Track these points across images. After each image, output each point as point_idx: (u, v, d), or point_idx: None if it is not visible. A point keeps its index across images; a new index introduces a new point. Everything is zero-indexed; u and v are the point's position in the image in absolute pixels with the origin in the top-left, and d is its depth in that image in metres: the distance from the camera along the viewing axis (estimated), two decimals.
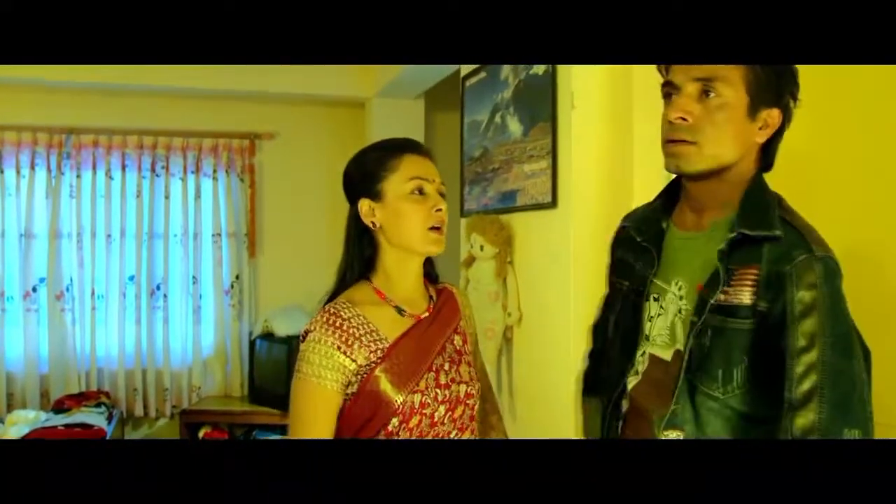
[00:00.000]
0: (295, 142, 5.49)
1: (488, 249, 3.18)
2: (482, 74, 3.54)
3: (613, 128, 2.77)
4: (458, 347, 1.74)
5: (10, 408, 4.96)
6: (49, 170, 5.10)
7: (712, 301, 1.42)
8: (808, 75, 2.19)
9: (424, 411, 1.61)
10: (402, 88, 5.04)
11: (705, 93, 1.45)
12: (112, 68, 4.77)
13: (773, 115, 1.47)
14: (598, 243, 2.11)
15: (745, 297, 1.40)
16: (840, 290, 1.38)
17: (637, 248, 1.63)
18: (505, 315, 3.18)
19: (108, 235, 5.18)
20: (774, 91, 1.46)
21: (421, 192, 1.65)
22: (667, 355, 1.51)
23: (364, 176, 1.68)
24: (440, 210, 1.65)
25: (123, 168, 5.21)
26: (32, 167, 5.08)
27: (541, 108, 2.97)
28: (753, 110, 1.45)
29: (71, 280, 5.14)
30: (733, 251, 1.43)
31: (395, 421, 1.58)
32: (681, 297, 1.50)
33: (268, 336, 4.99)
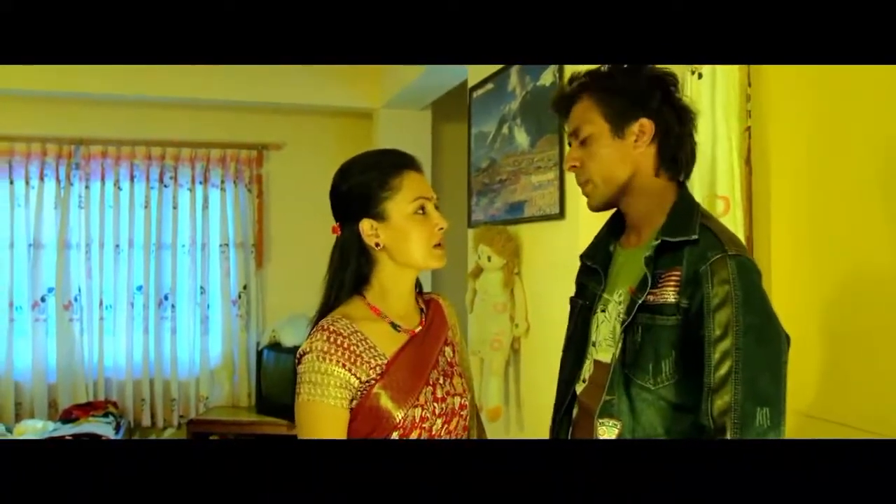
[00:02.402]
0: (302, 152, 5.51)
1: (496, 260, 3.19)
2: (489, 86, 3.55)
3: None
4: (449, 359, 1.75)
5: (18, 417, 4.96)
6: (58, 180, 5.13)
7: (640, 301, 1.57)
8: (823, 89, 2.20)
9: (424, 425, 1.62)
10: (410, 99, 5.06)
11: (581, 141, 1.67)
12: (120, 79, 4.81)
13: (643, 125, 1.63)
14: None
15: (670, 296, 1.55)
16: (754, 284, 1.52)
17: (589, 271, 1.81)
18: (512, 326, 3.19)
19: (117, 246, 5.21)
20: (631, 108, 1.64)
21: (423, 210, 1.67)
22: (608, 358, 1.65)
23: (364, 196, 1.66)
24: (442, 228, 1.68)
25: (132, 179, 5.24)
26: (42, 178, 5.10)
27: (548, 119, 2.98)
28: (618, 130, 1.64)
29: (79, 290, 5.15)
30: (660, 257, 1.58)
31: (395, 435, 1.59)
32: (620, 303, 1.66)
33: (275, 346, 4.99)
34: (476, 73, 3.72)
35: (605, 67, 1.70)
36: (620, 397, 1.59)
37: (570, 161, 1.71)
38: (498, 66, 3.43)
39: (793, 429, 2.21)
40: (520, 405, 3.26)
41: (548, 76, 3.00)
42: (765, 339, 1.50)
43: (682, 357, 1.53)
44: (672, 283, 1.55)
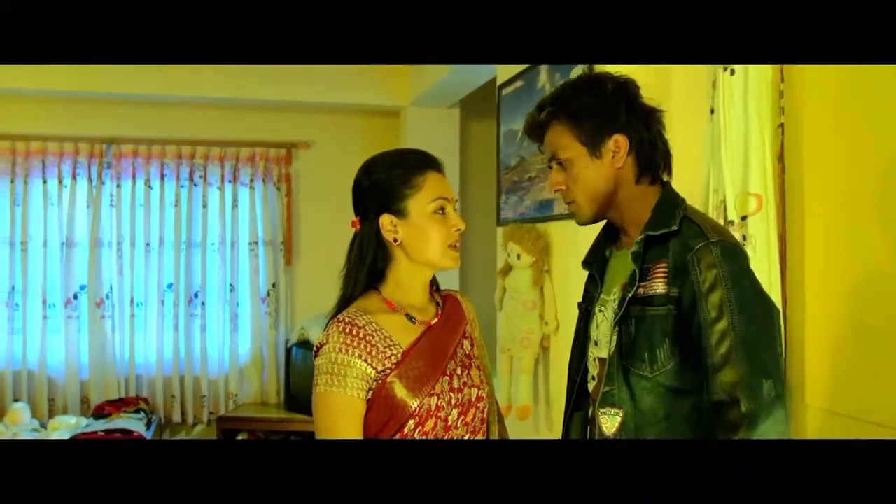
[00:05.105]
0: (331, 151, 5.53)
1: (525, 258, 3.18)
2: (518, 83, 3.54)
3: None
4: (467, 352, 1.77)
5: (51, 413, 5.04)
6: (90, 179, 5.20)
7: (630, 294, 1.66)
8: (856, 85, 2.17)
9: (439, 414, 1.64)
10: (438, 97, 5.06)
11: (560, 164, 1.74)
12: (151, 79, 4.85)
13: (617, 141, 1.70)
14: None
15: (659, 287, 1.63)
16: (739, 265, 1.62)
17: (591, 276, 1.89)
18: (542, 324, 3.18)
19: (147, 244, 5.26)
20: (602, 126, 1.70)
21: (443, 210, 1.69)
22: (607, 354, 1.73)
23: (385, 192, 1.69)
24: (459, 229, 1.70)
25: (162, 177, 5.29)
26: (74, 177, 5.17)
27: None
28: (594, 151, 1.70)
29: (111, 288, 5.21)
30: (647, 252, 1.67)
31: (411, 423, 1.61)
32: (615, 301, 1.73)
33: (304, 343, 5.01)
34: (505, 70, 3.71)
35: (568, 89, 1.77)
36: (620, 387, 1.67)
37: (555, 185, 1.78)
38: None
39: (826, 427, 2.20)
40: (549, 403, 3.26)
41: (576, 74, 2.99)
42: (758, 316, 1.58)
43: (676, 344, 1.62)
44: (660, 275, 1.64)
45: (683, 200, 1.74)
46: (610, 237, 1.86)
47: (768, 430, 1.51)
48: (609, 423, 1.67)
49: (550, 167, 1.80)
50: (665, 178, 1.78)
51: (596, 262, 1.87)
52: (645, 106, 1.74)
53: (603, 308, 1.78)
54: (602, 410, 1.69)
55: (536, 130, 1.79)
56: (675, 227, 1.64)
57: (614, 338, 1.68)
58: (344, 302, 1.71)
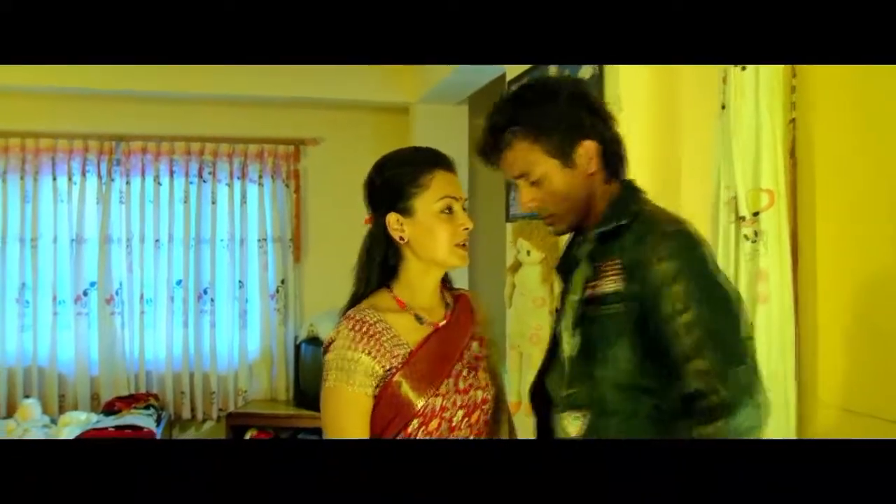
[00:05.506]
0: (339, 147, 5.52)
1: (535, 254, 3.17)
2: (527, 80, 3.52)
3: (660, 131, 2.75)
4: (475, 353, 1.77)
5: (62, 409, 5.05)
6: (99, 176, 5.20)
7: (580, 296, 1.63)
8: (868, 80, 2.16)
9: (444, 415, 1.65)
10: (446, 93, 5.05)
11: (531, 182, 1.69)
12: (160, 77, 4.84)
13: (586, 147, 1.67)
14: None
15: (611, 285, 1.60)
16: (697, 253, 1.58)
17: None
18: (551, 320, 3.16)
19: (157, 240, 5.26)
20: (568, 135, 1.65)
21: (450, 210, 1.69)
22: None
23: (393, 190, 1.69)
24: (467, 228, 1.70)
25: (171, 174, 5.29)
26: (83, 174, 5.17)
27: None
28: (566, 161, 1.66)
29: (120, 284, 5.22)
30: (602, 249, 1.64)
31: (415, 423, 1.63)
32: (575, 301, 1.68)
33: (313, 340, 5.00)
34: (514, 66, 3.69)
35: (522, 103, 1.70)
36: (581, 389, 1.63)
37: (527, 203, 1.72)
38: None
39: (838, 424, 2.18)
40: None
41: (587, 69, 2.97)
42: (722, 303, 1.55)
43: (636, 341, 1.58)
44: (612, 272, 1.60)
45: (641, 195, 1.72)
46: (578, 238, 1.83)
47: (747, 416, 1.49)
48: (571, 426, 1.65)
49: (515, 184, 1.76)
50: (623, 175, 1.75)
51: (565, 264, 1.84)
52: (599, 104, 1.73)
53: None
54: (564, 414, 1.66)
55: (494, 153, 1.72)
56: (624, 222, 1.62)
57: (573, 339, 1.65)
58: (356, 299, 1.73)
